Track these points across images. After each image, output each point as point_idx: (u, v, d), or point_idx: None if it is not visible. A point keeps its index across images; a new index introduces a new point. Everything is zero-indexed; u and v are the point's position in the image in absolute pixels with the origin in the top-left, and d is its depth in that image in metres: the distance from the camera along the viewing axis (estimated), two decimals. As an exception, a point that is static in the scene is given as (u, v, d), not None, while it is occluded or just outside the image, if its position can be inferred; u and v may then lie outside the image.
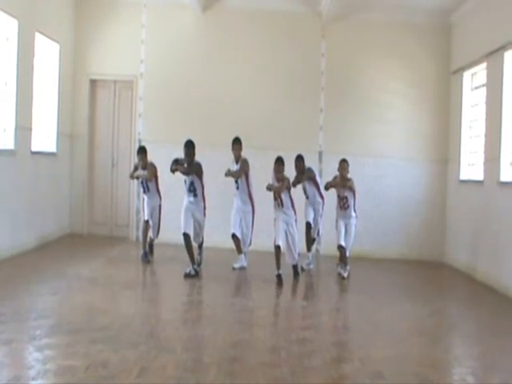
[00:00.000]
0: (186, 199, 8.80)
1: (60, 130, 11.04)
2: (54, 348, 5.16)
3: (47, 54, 10.58)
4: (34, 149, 9.86)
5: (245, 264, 9.32)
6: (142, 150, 9.48)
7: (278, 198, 8.66)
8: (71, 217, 11.69)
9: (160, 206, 9.64)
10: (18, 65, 9.02)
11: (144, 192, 9.61)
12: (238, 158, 9.29)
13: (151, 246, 9.62)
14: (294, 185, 9.13)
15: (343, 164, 9.12)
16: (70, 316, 6.26)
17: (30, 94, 9.66)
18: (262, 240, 10.18)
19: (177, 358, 5.19)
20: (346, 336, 6.48)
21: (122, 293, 7.57)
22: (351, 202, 9.12)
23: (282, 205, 8.67)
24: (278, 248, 8.58)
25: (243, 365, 5.09)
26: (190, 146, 8.68)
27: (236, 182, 9.26)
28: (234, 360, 5.17)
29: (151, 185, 9.48)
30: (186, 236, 8.62)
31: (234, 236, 9.25)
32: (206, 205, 8.93)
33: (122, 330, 5.89)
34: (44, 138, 10.58)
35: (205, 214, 8.91)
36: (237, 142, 9.32)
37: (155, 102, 11.52)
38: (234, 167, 9.29)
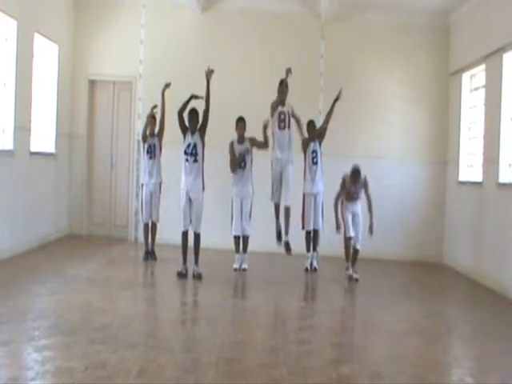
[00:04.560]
0: (184, 180, 8.65)
1: (59, 130, 11.03)
2: (53, 349, 5.16)
3: (46, 55, 10.57)
4: (32, 149, 9.85)
5: (247, 265, 9.31)
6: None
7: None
8: (70, 217, 11.68)
9: (160, 185, 9.77)
10: (16, 65, 9.01)
11: (151, 157, 9.68)
12: (241, 138, 9.29)
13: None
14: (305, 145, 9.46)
15: (355, 177, 8.90)
16: (68, 316, 6.25)
17: (29, 95, 9.65)
18: (261, 242, 10.17)
19: (175, 358, 5.19)
20: (345, 337, 6.48)
21: (120, 293, 7.56)
22: (361, 194, 9.09)
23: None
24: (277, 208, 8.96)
25: (242, 365, 5.09)
26: (194, 113, 8.66)
27: (243, 160, 9.24)
28: (233, 360, 5.17)
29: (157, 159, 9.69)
30: (184, 235, 8.65)
31: (236, 237, 9.29)
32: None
33: (121, 330, 5.89)
34: (43, 139, 10.57)
35: (203, 188, 8.71)
36: (241, 121, 9.30)
37: (154, 102, 11.44)
38: (238, 147, 9.28)
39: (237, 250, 9.37)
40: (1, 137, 8.88)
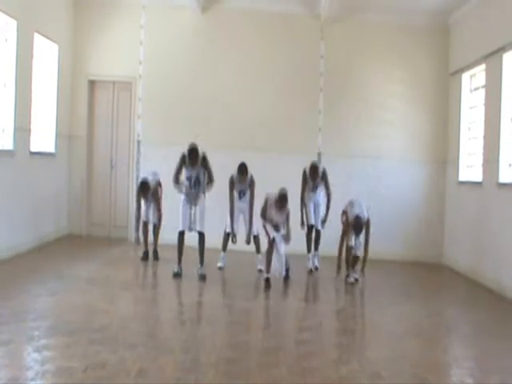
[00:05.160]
0: (185, 195, 8.65)
1: (59, 130, 11.03)
2: (53, 349, 5.16)
3: (46, 55, 10.57)
4: (32, 149, 9.85)
5: (223, 264, 9.33)
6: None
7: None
8: (69, 218, 11.68)
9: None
10: (16, 66, 9.01)
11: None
12: (243, 181, 9.08)
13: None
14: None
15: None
16: (68, 317, 6.25)
17: (29, 95, 9.65)
18: (261, 242, 10.15)
19: (175, 358, 5.19)
20: (345, 337, 6.48)
21: (120, 294, 7.56)
22: None
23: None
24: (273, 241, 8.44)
25: (242, 366, 5.08)
26: (193, 153, 8.38)
27: (242, 191, 9.18)
28: (233, 361, 5.17)
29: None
30: (180, 235, 8.61)
31: (228, 235, 9.29)
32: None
33: (121, 330, 5.88)
34: (43, 139, 10.57)
35: (205, 196, 8.71)
36: (243, 172, 8.96)
37: (154, 103, 11.51)
38: (239, 186, 9.12)
39: (224, 248, 9.36)
40: (1, 137, 8.88)
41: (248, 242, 9.30)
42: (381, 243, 11.23)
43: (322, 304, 8.09)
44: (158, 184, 9.78)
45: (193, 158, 8.44)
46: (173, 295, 8.00)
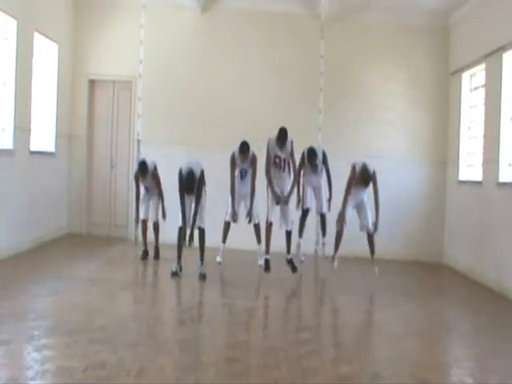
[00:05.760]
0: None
1: (59, 130, 11.03)
2: (53, 348, 5.16)
3: (46, 54, 10.57)
4: (32, 149, 9.85)
5: (222, 259, 9.38)
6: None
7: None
8: (69, 217, 11.68)
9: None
10: (16, 65, 9.00)
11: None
12: (245, 159, 9.20)
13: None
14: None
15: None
16: (68, 316, 6.24)
17: (29, 95, 9.65)
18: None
19: (175, 358, 5.19)
20: (345, 337, 6.48)
21: (120, 293, 7.56)
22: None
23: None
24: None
25: (242, 366, 5.08)
26: (189, 182, 8.36)
27: (244, 169, 9.26)
28: (233, 361, 5.17)
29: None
30: (181, 230, 8.56)
31: (228, 224, 9.33)
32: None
33: (121, 330, 5.89)
34: (43, 138, 10.57)
35: (205, 192, 8.72)
36: (246, 151, 9.10)
37: (154, 102, 11.51)
38: (241, 164, 9.23)
39: (224, 239, 9.36)
40: (1, 136, 8.87)
41: (249, 220, 9.32)
42: (381, 242, 11.22)
43: (321, 303, 8.09)
44: (155, 168, 9.69)
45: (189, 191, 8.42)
46: (173, 295, 8.00)
